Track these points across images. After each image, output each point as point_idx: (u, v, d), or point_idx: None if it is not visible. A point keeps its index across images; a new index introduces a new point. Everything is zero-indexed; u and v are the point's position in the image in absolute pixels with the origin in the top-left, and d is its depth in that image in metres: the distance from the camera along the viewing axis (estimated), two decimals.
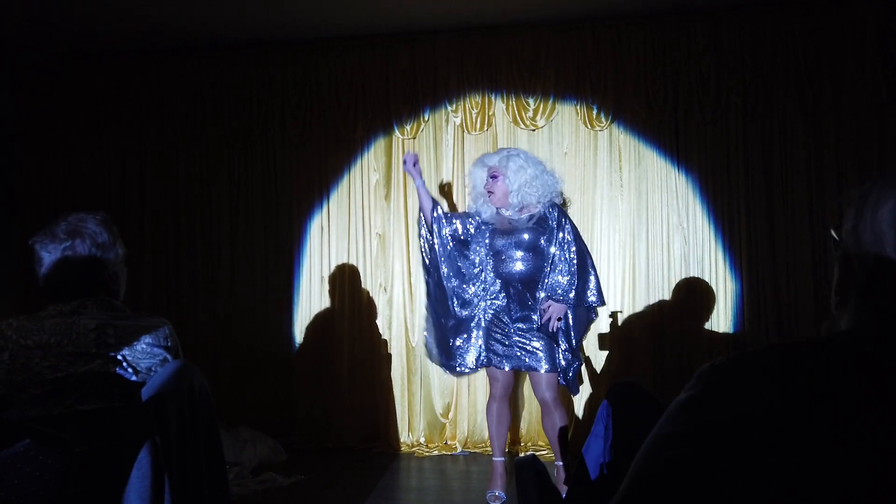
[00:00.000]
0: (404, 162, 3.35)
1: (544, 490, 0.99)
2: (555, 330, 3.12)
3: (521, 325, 3.17)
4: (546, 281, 3.16)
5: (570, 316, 3.19)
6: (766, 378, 0.74)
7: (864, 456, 0.68)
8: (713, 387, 0.76)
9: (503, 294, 3.23)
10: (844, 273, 0.84)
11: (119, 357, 1.77)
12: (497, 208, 3.26)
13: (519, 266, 3.17)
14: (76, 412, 1.71)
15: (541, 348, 3.13)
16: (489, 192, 3.23)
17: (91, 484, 1.66)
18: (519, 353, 3.16)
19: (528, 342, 3.15)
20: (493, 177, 3.22)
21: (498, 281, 3.24)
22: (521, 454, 4.07)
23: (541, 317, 3.14)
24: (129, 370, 1.78)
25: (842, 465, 0.68)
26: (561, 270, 3.15)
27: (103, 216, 1.88)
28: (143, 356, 1.80)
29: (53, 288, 1.80)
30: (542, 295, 3.16)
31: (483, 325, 3.27)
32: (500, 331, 3.20)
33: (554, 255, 3.16)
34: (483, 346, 3.25)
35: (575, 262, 3.14)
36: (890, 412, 0.68)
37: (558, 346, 3.13)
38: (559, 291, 3.13)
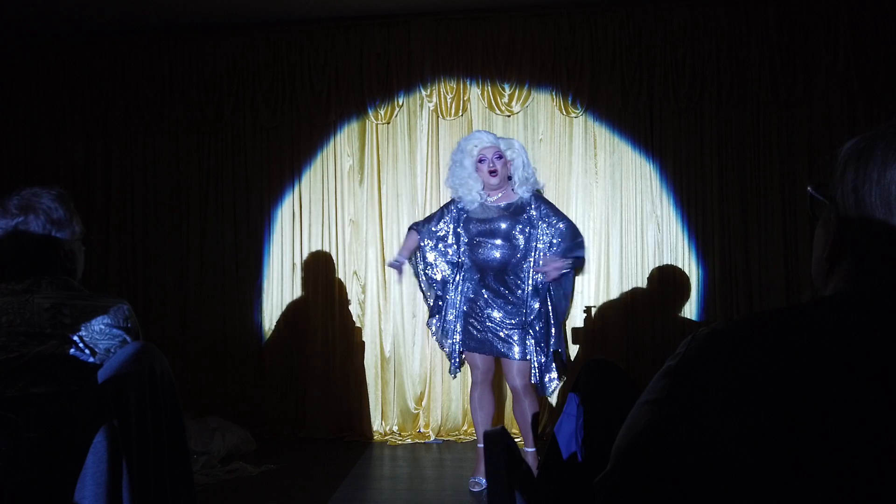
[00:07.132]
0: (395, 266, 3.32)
1: (514, 464, 0.96)
2: (553, 277, 3.10)
3: (494, 312, 3.16)
4: (522, 265, 3.18)
5: (550, 316, 3.19)
6: (751, 345, 0.71)
7: (861, 413, 0.64)
8: (696, 355, 0.74)
9: (477, 279, 3.21)
10: (839, 237, 0.77)
11: (75, 338, 1.69)
12: (484, 192, 3.22)
13: (495, 253, 3.16)
14: (29, 395, 1.62)
15: (514, 335, 3.13)
16: (491, 171, 3.15)
17: (44, 470, 1.59)
18: (492, 340, 3.15)
19: (500, 329, 3.14)
20: (499, 157, 3.17)
21: (473, 268, 3.22)
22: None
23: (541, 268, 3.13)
24: (86, 351, 1.70)
25: (840, 426, 0.64)
26: (558, 245, 3.16)
27: (59, 191, 1.79)
28: (101, 337, 1.72)
29: (5, 265, 1.71)
30: (518, 282, 3.17)
31: (460, 310, 3.25)
32: (475, 317, 3.19)
33: (543, 239, 3.18)
34: (461, 332, 3.23)
35: (564, 232, 3.16)
36: (889, 371, 0.65)
37: (547, 343, 3.15)
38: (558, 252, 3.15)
